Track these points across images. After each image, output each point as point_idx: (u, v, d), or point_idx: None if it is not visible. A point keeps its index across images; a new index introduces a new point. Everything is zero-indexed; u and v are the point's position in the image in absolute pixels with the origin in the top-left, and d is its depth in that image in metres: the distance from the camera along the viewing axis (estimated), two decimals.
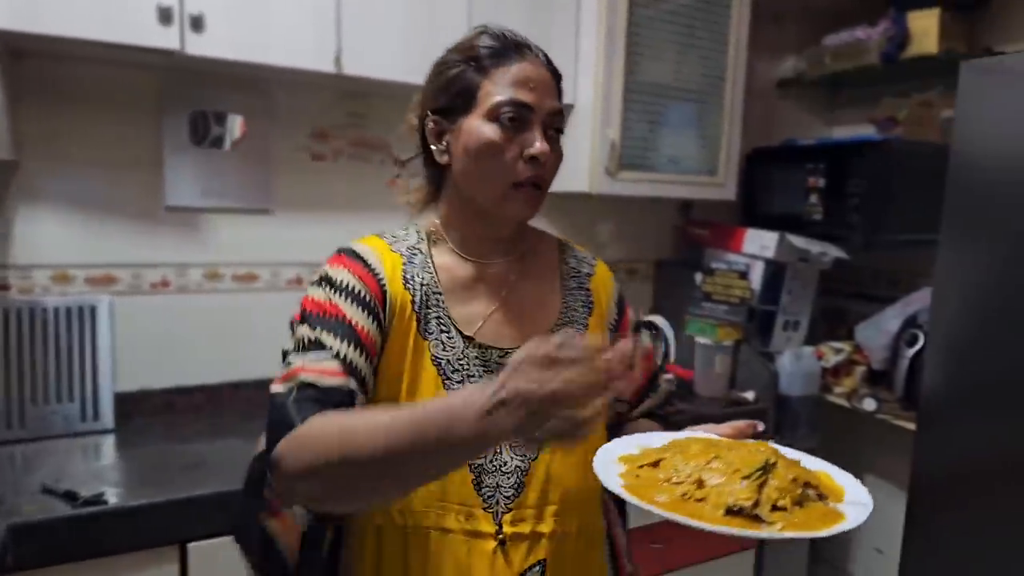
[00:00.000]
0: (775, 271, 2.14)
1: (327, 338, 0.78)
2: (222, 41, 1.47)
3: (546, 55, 0.87)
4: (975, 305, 1.50)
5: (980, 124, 1.47)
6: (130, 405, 1.65)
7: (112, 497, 1.25)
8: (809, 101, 2.53)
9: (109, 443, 1.55)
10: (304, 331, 0.80)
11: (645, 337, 1.06)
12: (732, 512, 0.61)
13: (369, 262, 0.84)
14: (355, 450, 0.65)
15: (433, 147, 0.85)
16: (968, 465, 1.51)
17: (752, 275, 2.13)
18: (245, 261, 1.78)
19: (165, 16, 1.41)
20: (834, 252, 2.13)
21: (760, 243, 2.13)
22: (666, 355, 2.05)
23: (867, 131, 2.32)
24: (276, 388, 0.76)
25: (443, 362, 0.83)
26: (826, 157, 2.10)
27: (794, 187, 2.19)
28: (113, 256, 1.65)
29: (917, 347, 2.00)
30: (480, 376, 0.83)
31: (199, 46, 1.45)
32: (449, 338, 0.84)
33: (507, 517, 0.80)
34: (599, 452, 0.73)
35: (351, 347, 0.78)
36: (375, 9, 1.62)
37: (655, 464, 0.69)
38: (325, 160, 1.85)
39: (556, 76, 0.86)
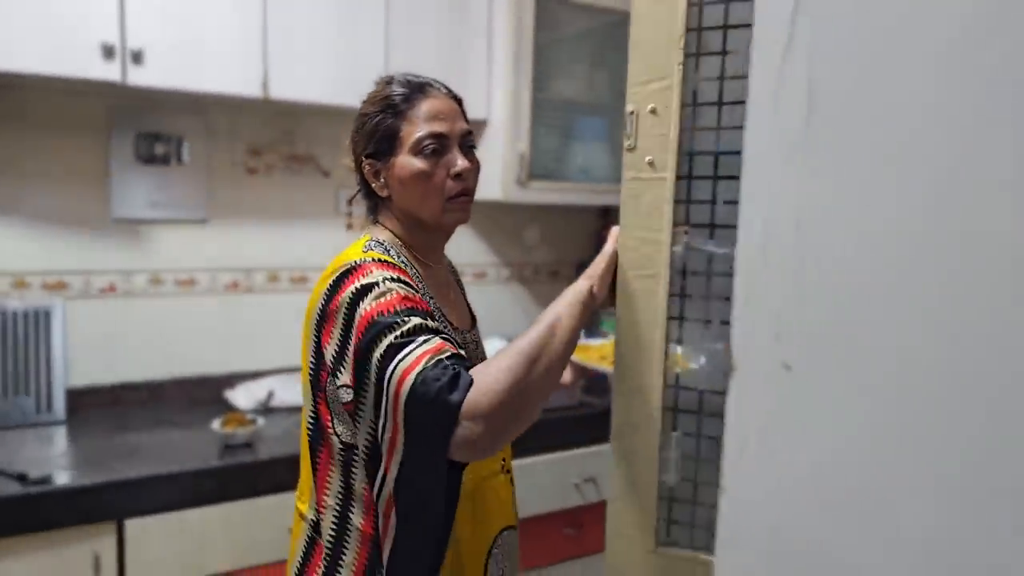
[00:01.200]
0: None
1: (422, 322, 0.85)
2: (160, 72, 1.65)
3: (446, 86, 1.03)
4: None
5: None
6: (80, 399, 1.84)
7: (58, 479, 1.45)
8: None
9: (61, 433, 1.74)
10: (395, 329, 0.83)
11: None
12: None
13: (403, 268, 0.94)
14: (532, 357, 0.79)
15: (372, 184, 1.00)
16: None
17: None
18: (185, 267, 1.97)
19: (108, 52, 1.59)
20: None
21: None
22: None
23: None
24: (410, 377, 0.80)
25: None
26: None
27: None
28: (65, 264, 1.83)
29: None
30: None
31: (139, 77, 1.63)
32: (447, 329, 0.99)
33: (501, 455, 1.05)
34: None
35: (437, 326, 0.87)
36: (298, 39, 1.79)
37: None
38: (258, 173, 2.03)
39: (459, 101, 1.04)
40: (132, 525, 1.48)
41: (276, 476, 1.63)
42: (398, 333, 0.83)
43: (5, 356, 1.74)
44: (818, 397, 0.34)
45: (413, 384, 0.79)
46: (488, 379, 0.78)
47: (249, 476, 1.61)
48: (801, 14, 0.31)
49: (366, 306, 0.86)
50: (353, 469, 0.94)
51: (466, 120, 1.03)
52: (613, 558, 0.80)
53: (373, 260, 0.92)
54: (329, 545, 0.96)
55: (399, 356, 0.81)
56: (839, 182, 0.32)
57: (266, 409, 1.90)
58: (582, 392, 2.08)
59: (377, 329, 0.84)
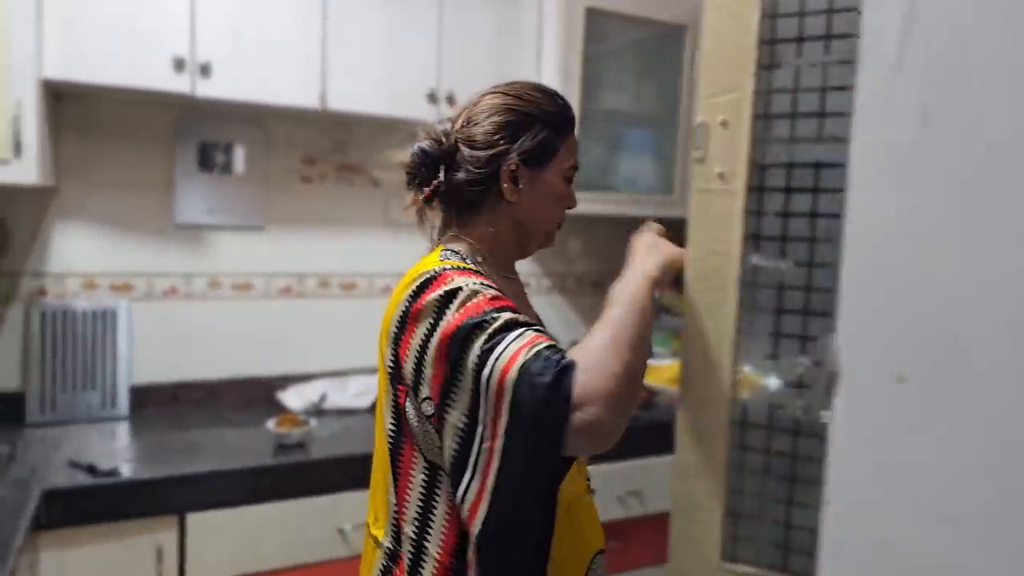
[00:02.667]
0: None
1: (512, 317, 0.81)
2: (227, 84, 1.73)
3: None
4: None
5: None
6: (142, 396, 1.92)
7: (125, 471, 1.51)
8: None
9: (124, 428, 1.81)
10: (485, 328, 0.79)
11: None
12: None
13: (487, 277, 0.91)
14: (625, 334, 0.77)
15: (505, 184, 0.95)
16: None
17: None
18: (242, 272, 2.04)
19: (179, 65, 1.67)
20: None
21: None
22: None
23: None
24: (512, 372, 0.75)
25: None
26: None
27: None
28: (131, 266, 1.92)
29: None
30: None
31: (207, 89, 1.71)
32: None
33: (585, 473, 1.02)
34: None
35: (528, 320, 0.84)
36: (354, 53, 1.86)
37: None
38: (312, 182, 2.10)
39: None
40: (193, 519, 1.53)
41: (327, 476, 1.67)
42: (490, 331, 0.79)
43: (74, 353, 1.83)
44: (934, 409, 0.34)
45: (517, 380, 0.75)
46: (593, 358, 0.75)
47: (302, 475, 1.65)
48: (911, 35, 0.33)
49: (451, 315, 0.81)
50: (436, 492, 0.88)
51: None
52: (675, 573, 0.80)
53: (453, 268, 0.88)
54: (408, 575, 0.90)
55: (494, 355, 0.77)
56: (951, 194, 0.32)
57: (317, 411, 1.95)
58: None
59: (465, 331, 0.79)
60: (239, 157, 2.01)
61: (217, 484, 1.57)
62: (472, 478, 0.80)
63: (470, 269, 0.90)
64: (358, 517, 1.68)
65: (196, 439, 1.74)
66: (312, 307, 2.13)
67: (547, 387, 0.73)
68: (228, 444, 1.72)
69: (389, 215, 2.20)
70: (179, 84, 1.68)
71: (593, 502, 1.02)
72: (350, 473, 1.68)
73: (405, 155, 0.99)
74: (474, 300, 0.82)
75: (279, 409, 1.95)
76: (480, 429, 0.79)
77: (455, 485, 0.82)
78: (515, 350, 0.76)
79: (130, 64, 1.63)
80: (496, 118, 0.96)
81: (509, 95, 0.97)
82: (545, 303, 2.49)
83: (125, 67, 1.63)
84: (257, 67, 1.76)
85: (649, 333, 0.81)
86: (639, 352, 0.78)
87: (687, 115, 2.29)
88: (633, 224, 1.09)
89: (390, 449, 0.92)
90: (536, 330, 0.81)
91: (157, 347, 1.95)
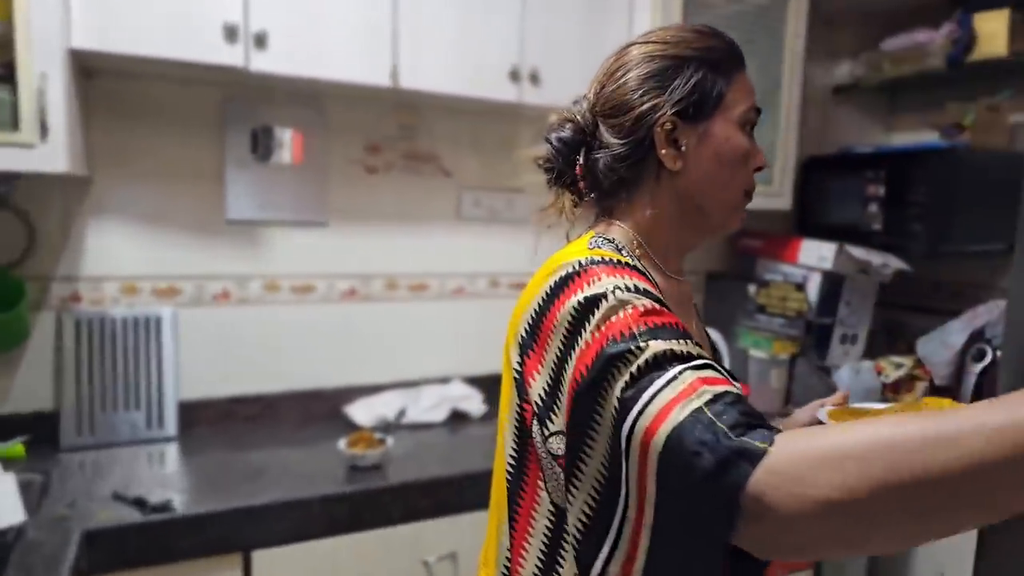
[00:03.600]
0: (833, 283, 2.08)
1: (667, 347, 0.59)
2: (284, 57, 1.51)
3: None
4: None
5: None
6: (192, 413, 1.70)
7: (179, 504, 1.28)
8: (866, 107, 2.46)
9: (173, 450, 1.58)
10: (631, 361, 0.59)
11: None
12: None
13: (645, 273, 0.72)
14: (907, 463, 0.47)
15: (663, 151, 0.76)
16: None
17: (808, 287, 2.07)
18: (302, 273, 1.82)
19: (231, 34, 1.45)
20: (895, 263, 2.06)
21: (818, 254, 2.07)
22: None
23: (928, 137, 2.24)
24: (663, 428, 0.55)
25: None
26: (886, 165, 2.03)
27: (851, 196, 2.13)
28: (177, 268, 1.70)
29: (985, 363, 1.92)
30: None
31: (263, 62, 1.49)
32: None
33: None
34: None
35: (698, 350, 0.62)
36: (429, 23, 1.64)
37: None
38: (377, 173, 1.88)
39: None
40: (260, 557, 1.31)
41: (409, 502, 1.45)
42: (634, 369, 0.58)
43: (114, 367, 1.61)
44: None
45: (663, 451, 0.54)
46: (806, 458, 0.49)
47: (381, 502, 1.43)
48: None
49: (593, 328, 0.63)
50: (562, 545, 0.70)
51: None
52: None
53: (602, 261, 0.69)
54: None
55: (643, 399, 0.57)
56: None
57: (387, 427, 1.72)
58: None
59: (603, 364, 0.60)
60: (295, 144, 1.79)
61: (286, 516, 1.34)
62: (614, 550, 0.61)
63: (622, 263, 0.70)
64: (444, 547, 1.47)
65: (257, 462, 1.51)
66: (379, 311, 1.90)
67: (705, 475, 0.52)
68: (294, 468, 1.49)
69: (462, 209, 1.97)
70: (231, 56, 1.46)
71: None
72: (435, 498, 1.48)
73: (540, 149, 0.82)
74: (620, 314, 0.62)
75: (346, 425, 1.72)
76: (623, 492, 0.59)
77: (587, 554, 0.64)
78: (666, 402, 0.55)
79: (173, 32, 1.40)
80: (635, 72, 0.77)
81: (648, 43, 0.79)
82: None
83: (167, 36, 1.40)
84: (319, 38, 1.54)
85: (959, 490, 0.47)
86: (910, 495, 0.47)
87: (790, 93, 2.05)
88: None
89: (508, 480, 0.75)
90: (703, 366, 0.59)
91: (207, 358, 1.72)
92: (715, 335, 2.05)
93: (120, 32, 1.37)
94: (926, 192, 1.93)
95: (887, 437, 0.48)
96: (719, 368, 0.61)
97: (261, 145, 1.75)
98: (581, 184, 0.81)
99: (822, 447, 0.50)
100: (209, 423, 1.72)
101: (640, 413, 0.56)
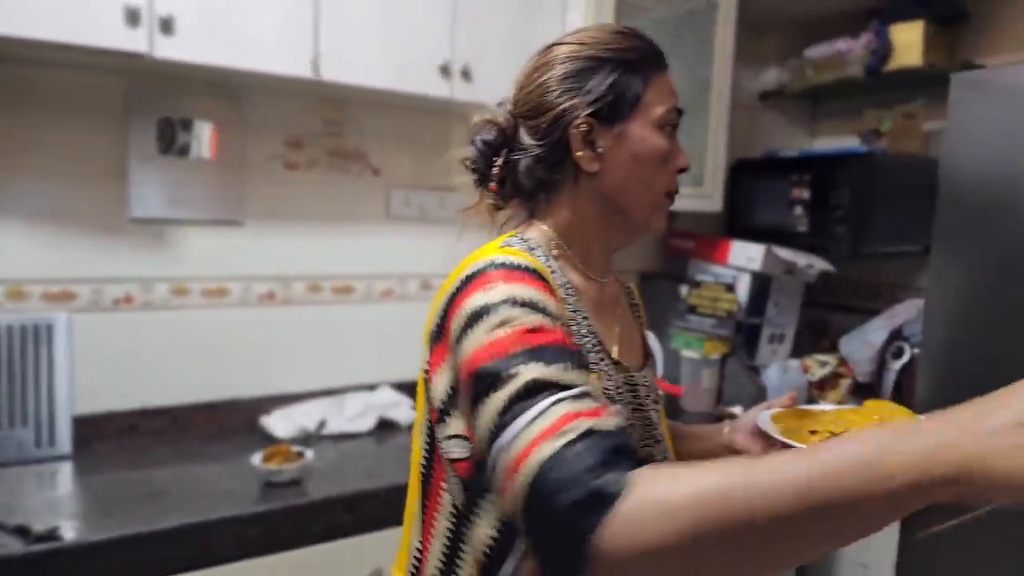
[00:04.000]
0: (761, 283, 2.11)
1: (540, 376, 0.58)
2: (193, 44, 1.40)
3: None
4: (967, 317, 1.48)
5: (970, 136, 1.46)
6: (89, 429, 1.55)
7: (69, 532, 1.16)
8: (791, 112, 2.53)
9: (66, 471, 1.44)
10: (500, 387, 0.58)
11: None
12: None
13: (546, 280, 0.69)
14: (750, 507, 0.46)
15: (579, 152, 0.75)
16: None
17: (738, 287, 2.10)
18: (214, 275, 1.70)
19: (132, 17, 1.33)
20: (820, 264, 2.11)
21: (747, 255, 2.10)
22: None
23: (849, 143, 2.32)
24: (527, 464, 0.53)
25: (612, 395, 0.75)
26: (811, 169, 2.09)
27: (778, 199, 2.17)
28: (72, 271, 1.55)
29: (904, 360, 1.99)
30: (628, 404, 0.77)
31: (168, 49, 1.37)
32: (607, 366, 0.76)
33: None
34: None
35: (587, 375, 0.62)
36: (354, 12, 1.56)
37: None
38: (299, 169, 1.78)
39: None
40: None
41: (331, 519, 1.36)
42: (510, 394, 0.57)
43: None
44: None
45: (529, 483, 0.52)
46: (670, 496, 0.48)
47: (299, 520, 1.34)
48: None
49: (474, 343, 0.62)
50: (462, 549, 0.70)
51: None
52: None
53: (504, 266, 0.67)
54: None
55: (509, 432, 0.55)
56: None
57: (308, 439, 1.62)
58: None
59: (480, 379, 0.60)
60: (208, 137, 1.67)
61: (191, 540, 1.23)
62: (508, 562, 0.64)
63: (526, 268, 0.68)
64: (368, 566, 1.41)
65: (161, 482, 1.39)
66: (300, 315, 1.80)
67: (561, 514, 0.50)
68: (202, 487, 1.38)
69: (392, 208, 1.89)
70: (133, 41, 1.33)
71: None
72: (359, 513, 1.40)
73: (468, 150, 0.81)
74: (502, 332, 0.61)
75: (262, 438, 1.61)
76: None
77: (484, 560, 0.67)
78: (535, 436, 0.54)
79: (69, 14, 1.27)
80: (552, 72, 0.77)
81: (567, 43, 0.78)
82: None
83: (62, 18, 1.27)
84: (234, 24, 1.44)
85: (825, 531, 0.47)
86: (765, 535, 0.47)
87: (719, 97, 2.07)
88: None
89: (421, 479, 0.76)
90: (578, 396, 0.56)
91: (107, 368, 1.58)
92: (651, 338, 2.05)
93: (12, 14, 1.23)
94: (847, 195, 1.98)
95: (716, 485, 0.48)
96: (596, 395, 0.59)
97: (168, 138, 1.63)
98: (497, 185, 0.80)
99: (670, 493, 0.49)
100: (109, 439, 1.57)
101: (513, 440, 0.55)
